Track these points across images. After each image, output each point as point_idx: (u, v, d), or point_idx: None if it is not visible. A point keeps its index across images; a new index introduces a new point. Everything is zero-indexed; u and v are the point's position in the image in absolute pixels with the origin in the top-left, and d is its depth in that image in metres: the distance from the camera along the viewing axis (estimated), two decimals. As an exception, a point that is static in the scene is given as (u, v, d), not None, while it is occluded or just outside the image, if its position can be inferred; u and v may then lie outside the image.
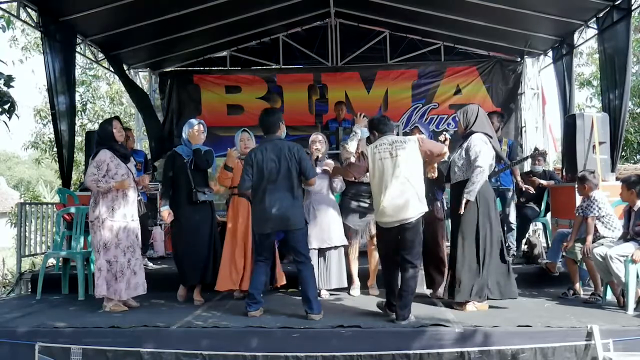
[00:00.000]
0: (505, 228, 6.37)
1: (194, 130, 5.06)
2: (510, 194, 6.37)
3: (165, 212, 4.93)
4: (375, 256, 5.14)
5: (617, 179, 6.22)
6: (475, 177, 4.42)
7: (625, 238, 4.67)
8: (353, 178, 4.76)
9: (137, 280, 4.76)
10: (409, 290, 4.18)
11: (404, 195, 4.16)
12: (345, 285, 5.18)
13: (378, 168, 4.26)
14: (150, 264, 6.35)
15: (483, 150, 4.49)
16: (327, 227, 5.05)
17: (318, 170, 5.03)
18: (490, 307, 4.58)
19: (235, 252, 5.00)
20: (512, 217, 6.39)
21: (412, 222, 4.18)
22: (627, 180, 4.66)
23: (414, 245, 4.22)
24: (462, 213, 4.45)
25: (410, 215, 4.16)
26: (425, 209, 4.27)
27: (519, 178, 6.44)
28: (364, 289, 5.30)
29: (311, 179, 4.50)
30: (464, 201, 4.42)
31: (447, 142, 4.79)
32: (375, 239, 4.90)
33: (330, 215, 5.09)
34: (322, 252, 5.09)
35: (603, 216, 4.79)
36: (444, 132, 4.97)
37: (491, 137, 4.62)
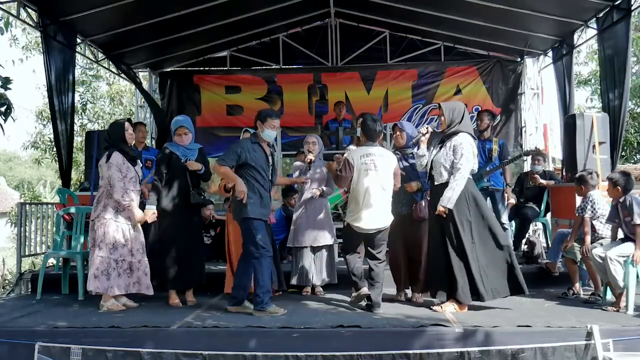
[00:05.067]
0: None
1: (179, 134, 4.95)
2: (500, 194, 6.37)
3: (150, 212, 4.75)
4: None
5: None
6: (455, 183, 4.36)
7: (615, 233, 4.70)
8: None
9: (145, 281, 4.79)
10: (381, 280, 4.62)
11: (383, 206, 4.50)
12: (336, 281, 5.36)
13: (362, 178, 4.47)
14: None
15: (468, 154, 4.42)
16: (319, 227, 5.28)
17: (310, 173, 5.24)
18: (490, 307, 4.58)
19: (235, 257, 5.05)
20: (505, 218, 6.39)
21: (386, 229, 4.56)
22: (612, 179, 4.67)
23: (384, 245, 4.66)
24: (444, 216, 4.38)
25: (385, 224, 4.54)
26: (392, 218, 4.57)
27: (508, 179, 6.46)
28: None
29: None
30: (441, 208, 4.35)
31: (427, 135, 4.66)
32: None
33: (322, 216, 5.33)
34: (314, 250, 5.31)
35: (599, 216, 4.80)
36: (427, 125, 4.89)
37: (475, 139, 4.67)
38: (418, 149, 4.69)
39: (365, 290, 4.56)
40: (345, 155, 4.88)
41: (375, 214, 4.46)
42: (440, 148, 4.56)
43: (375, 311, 4.44)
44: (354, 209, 4.53)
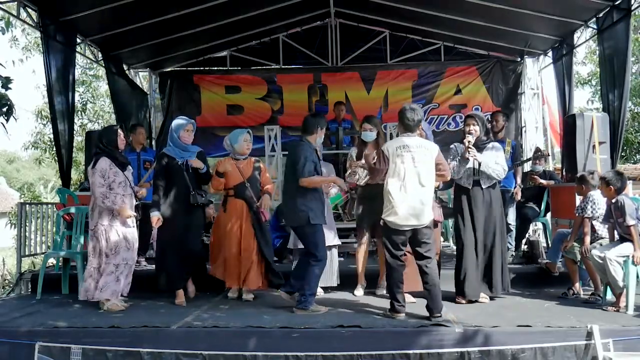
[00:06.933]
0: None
1: (186, 130, 5.00)
2: (509, 195, 6.37)
3: (155, 218, 4.82)
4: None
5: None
6: (495, 168, 4.82)
7: (612, 233, 4.71)
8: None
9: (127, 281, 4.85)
10: (436, 283, 4.28)
11: (422, 202, 4.23)
12: (338, 283, 5.30)
13: (398, 170, 4.25)
14: (144, 263, 6.30)
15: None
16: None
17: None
18: (490, 307, 4.61)
19: (236, 250, 5.03)
20: (511, 218, 6.39)
21: (427, 226, 4.30)
22: (605, 178, 4.68)
23: (431, 242, 4.35)
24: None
25: (425, 221, 4.27)
26: (433, 215, 4.39)
27: (519, 179, 6.46)
28: (368, 289, 5.28)
29: (300, 179, 4.52)
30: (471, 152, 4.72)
31: (473, 151, 4.74)
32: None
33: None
34: None
35: (599, 217, 4.80)
36: (469, 135, 4.80)
37: None
38: (462, 158, 4.77)
39: (402, 317, 4.28)
40: (381, 147, 4.80)
41: (413, 209, 4.19)
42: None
43: (435, 317, 4.15)
44: (389, 203, 4.27)
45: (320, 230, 4.63)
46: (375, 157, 4.60)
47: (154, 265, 6.33)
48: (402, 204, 4.19)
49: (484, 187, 4.81)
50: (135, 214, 4.81)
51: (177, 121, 5.09)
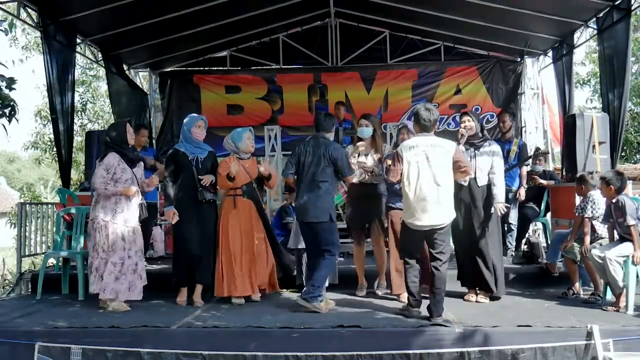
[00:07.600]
0: (505, 228, 6.39)
1: (198, 126, 5.00)
2: (511, 194, 6.37)
3: (170, 212, 4.82)
4: (384, 256, 5.12)
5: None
6: (501, 184, 4.86)
7: (612, 233, 4.71)
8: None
9: (139, 285, 4.77)
10: (443, 286, 4.23)
11: (439, 202, 4.16)
12: (336, 282, 5.30)
13: (413, 171, 4.19)
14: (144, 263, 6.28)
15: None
16: None
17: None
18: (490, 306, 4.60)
19: (242, 257, 4.93)
20: (512, 218, 6.40)
21: (444, 227, 4.24)
22: (605, 178, 4.67)
23: (444, 244, 4.29)
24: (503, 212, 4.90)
25: (443, 221, 4.21)
26: (454, 214, 4.33)
27: (524, 180, 6.48)
28: (369, 289, 5.28)
29: (348, 177, 4.83)
30: (504, 207, 4.82)
31: (463, 140, 4.85)
32: (386, 238, 5.01)
33: None
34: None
35: (599, 217, 4.80)
36: (463, 132, 4.87)
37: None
38: None
39: (417, 311, 4.31)
40: (379, 145, 4.97)
41: (430, 209, 4.12)
42: (474, 153, 4.83)
43: (434, 320, 4.09)
44: (406, 205, 4.26)
45: (337, 227, 4.73)
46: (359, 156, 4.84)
47: (154, 265, 6.40)
48: (421, 205, 4.13)
49: (479, 184, 4.81)
50: (137, 188, 4.77)
51: (189, 117, 5.10)
